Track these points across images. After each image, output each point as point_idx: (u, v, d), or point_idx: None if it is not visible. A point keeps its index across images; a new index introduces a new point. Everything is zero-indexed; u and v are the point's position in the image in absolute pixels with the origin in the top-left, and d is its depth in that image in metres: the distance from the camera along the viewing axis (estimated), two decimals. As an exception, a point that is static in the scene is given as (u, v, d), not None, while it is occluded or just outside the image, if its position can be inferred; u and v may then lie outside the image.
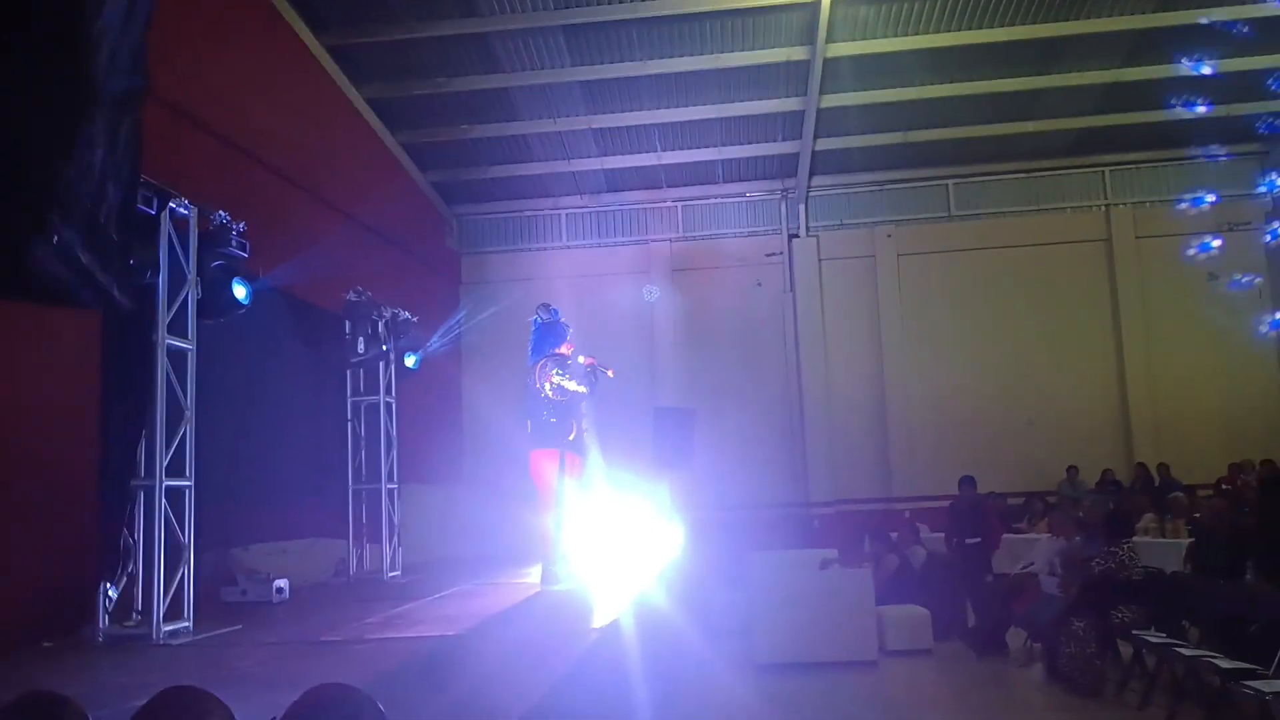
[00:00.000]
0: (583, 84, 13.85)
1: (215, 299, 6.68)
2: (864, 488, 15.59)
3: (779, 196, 16.56)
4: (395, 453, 10.44)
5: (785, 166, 16.08)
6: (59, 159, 2.25)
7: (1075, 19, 12.83)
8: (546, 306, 7.99)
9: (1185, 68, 13.37)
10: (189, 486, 6.35)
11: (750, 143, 15.55)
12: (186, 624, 6.17)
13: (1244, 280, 14.86)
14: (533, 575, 7.88)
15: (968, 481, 11.35)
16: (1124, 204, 16.05)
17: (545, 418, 7.52)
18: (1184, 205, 15.33)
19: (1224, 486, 12.91)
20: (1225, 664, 6.10)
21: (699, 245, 16.64)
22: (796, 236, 16.43)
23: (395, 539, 10.25)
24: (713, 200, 16.78)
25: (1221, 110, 14.43)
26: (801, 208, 16.39)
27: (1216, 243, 15.02)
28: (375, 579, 9.76)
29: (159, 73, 3.00)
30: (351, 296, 9.83)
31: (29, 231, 2.23)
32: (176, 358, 6.36)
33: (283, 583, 7.93)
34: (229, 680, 4.45)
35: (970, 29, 12.97)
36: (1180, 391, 15.26)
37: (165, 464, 6.15)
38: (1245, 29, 12.70)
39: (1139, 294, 15.65)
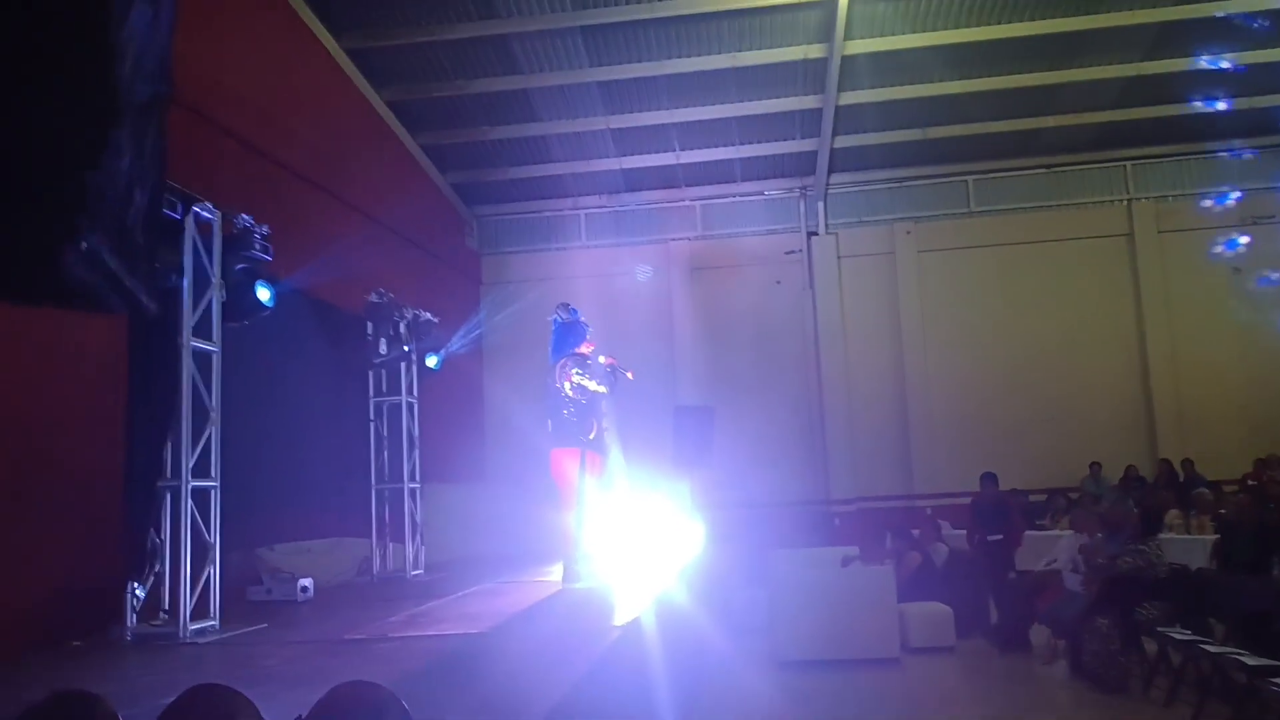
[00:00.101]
0: (601, 84, 13.87)
1: (239, 302, 6.76)
2: (885, 485, 15.55)
3: (798, 194, 16.53)
4: (417, 452, 10.51)
5: (804, 164, 16.05)
6: (87, 168, 2.29)
7: (1095, 13, 12.72)
8: (566, 306, 8.01)
9: (1206, 61, 13.25)
10: (215, 487, 6.42)
11: (768, 141, 15.52)
12: (213, 623, 6.24)
13: (1273, 278, 14.71)
14: (554, 573, 7.91)
15: (989, 478, 11.31)
16: (1146, 198, 15.90)
17: (566, 417, 7.54)
18: (1207, 202, 15.20)
19: (1250, 482, 12.80)
20: (1251, 660, 6.05)
21: (718, 244, 16.62)
22: (815, 234, 16.38)
23: (418, 538, 10.31)
24: (731, 199, 16.76)
25: (1244, 103, 14.30)
26: (820, 205, 16.35)
27: (1244, 239, 14.89)
28: (398, 578, 9.83)
29: (181, 78, 3.04)
30: (373, 298, 9.90)
31: (57, 238, 2.27)
32: (201, 360, 6.43)
33: (307, 582, 8.00)
34: (255, 678, 4.50)
35: (988, 24, 12.89)
36: (1205, 387, 15.12)
37: (191, 465, 6.22)
38: (1266, 21, 12.58)
39: (1162, 289, 15.51)
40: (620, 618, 5.66)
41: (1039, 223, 16.05)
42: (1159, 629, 7.48)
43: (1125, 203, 15.97)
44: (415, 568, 10.12)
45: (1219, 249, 15.02)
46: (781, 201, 16.65)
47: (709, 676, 8.23)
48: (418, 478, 10.49)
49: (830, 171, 15.99)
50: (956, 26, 12.91)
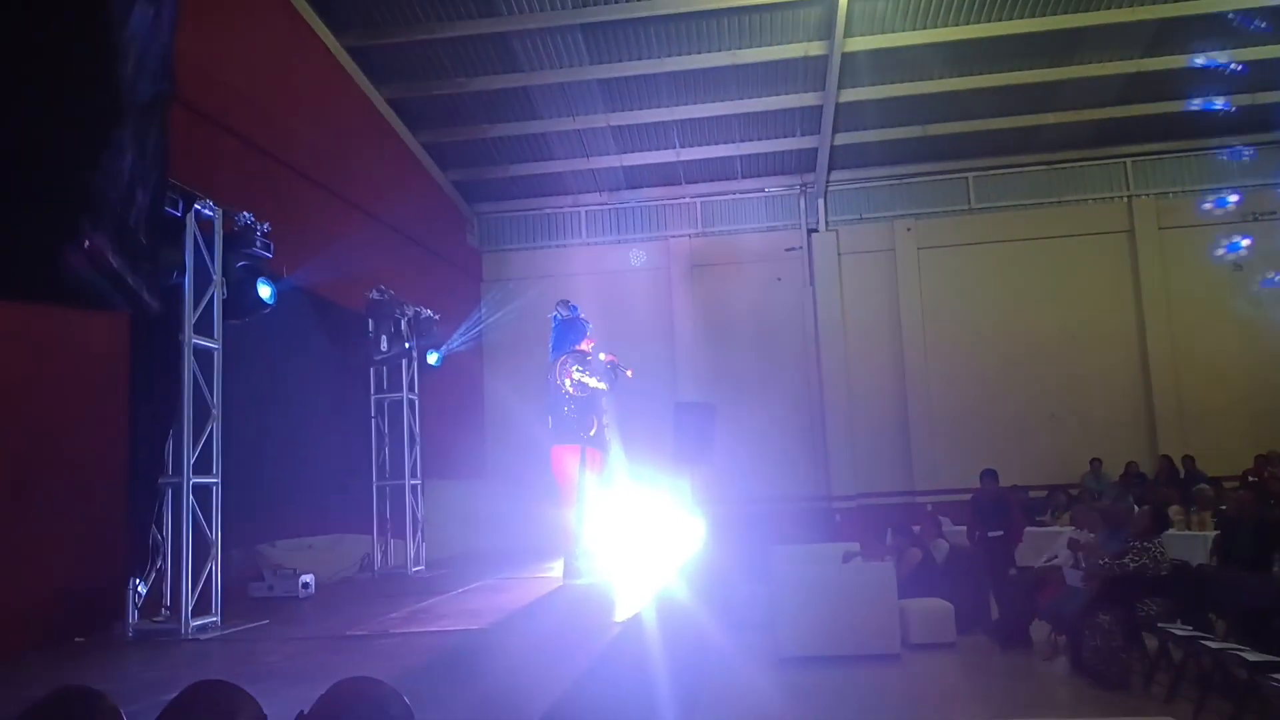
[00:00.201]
0: (601, 82, 13.87)
1: (240, 299, 6.78)
2: (885, 481, 15.56)
3: (798, 191, 16.53)
4: (418, 449, 10.53)
5: (804, 161, 16.05)
6: (89, 167, 2.30)
7: (1094, 10, 12.72)
8: (566, 303, 8.03)
9: (1207, 57, 13.25)
10: (216, 484, 6.44)
11: (769, 138, 15.52)
12: (214, 619, 6.26)
13: (1276, 279, 14.72)
14: (555, 570, 7.93)
15: (990, 474, 11.31)
16: (1146, 195, 15.89)
17: (566, 413, 7.56)
18: (1208, 205, 15.20)
19: (1250, 478, 12.79)
20: (1252, 656, 6.05)
21: (718, 241, 16.63)
22: (816, 231, 16.38)
23: (419, 534, 10.34)
24: (732, 196, 16.76)
25: (1245, 100, 14.29)
26: (821, 202, 16.35)
27: (1245, 242, 14.89)
28: (399, 574, 9.84)
29: (181, 76, 3.05)
30: (374, 295, 9.91)
31: (60, 237, 2.28)
32: (203, 357, 6.45)
33: (308, 578, 8.02)
34: (257, 674, 4.51)
35: (988, 21, 12.88)
36: (1205, 383, 15.12)
37: (193, 462, 6.24)
38: (1267, 18, 12.57)
39: (1162, 285, 15.51)
40: (621, 614, 5.67)
41: (1039, 219, 16.05)
42: (1160, 625, 7.49)
43: (1126, 199, 15.96)
44: (416, 564, 10.14)
45: (1221, 251, 15.01)
46: (782, 198, 16.65)
47: (710, 673, 8.25)
48: (419, 474, 10.51)
49: (830, 168, 15.98)
50: (956, 23, 12.91)
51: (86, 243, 2.29)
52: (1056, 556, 9.61)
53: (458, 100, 14.08)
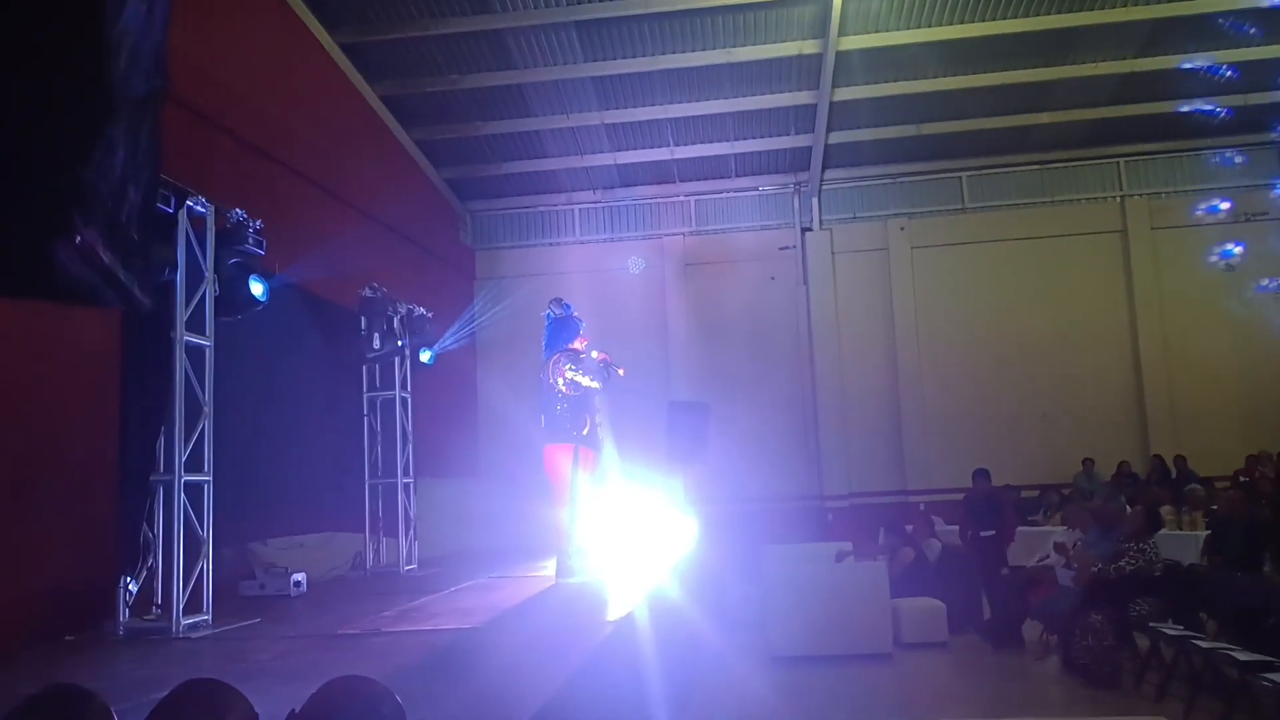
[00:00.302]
0: (595, 79, 13.87)
1: (233, 296, 6.74)
2: (878, 481, 15.59)
3: (792, 190, 16.55)
4: (411, 447, 10.49)
5: (798, 160, 16.07)
6: (81, 163, 2.29)
7: (1088, 9, 12.75)
8: (559, 301, 8.01)
9: (1200, 58, 13.29)
10: (207, 481, 6.41)
11: (763, 137, 15.53)
12: (206, 617, 6.23)
13: (1269, 284, 14.78)
14: (548, 569, 7.91)
15: (982, 474, 11.35)
16: (1139, 195, 15.94)
17: (559, 412, 7.54)
18: (1201, 211, 15.26)
19: (1241, 478, 12.83)
20: (1243, 656, 6.08)
21: (712, 239, 16.63)
22: (809, 230, 16.40)
23: (411, 533, 10.31)
24: (725, 194, 16.77)
25: (1238, 100, 14.35)
26: (814, 201, 16.37)
27: (1238, 248, 14.94)
28: (392, 572, 9.81)
29: (174, 72, 3.03)
30: (367, 293, 9.88)
31: (52, 233, 2.27)
32: (195, 354, 6.42)
33: (300, 576, 7.99)
34: (248, 673, 4.49)
35: (982, 20, 12.92)
36: (1197, 383, 15.18)
37: (184, 459, 6.21)
38: (1260, 19, 12.61)
39: (1155, 285, 15.56)
40: (614, 613, 5.66)
41: (1032, 219, 16.09)
42: (1151, 624, 7.52)
43: (1118, 199, 16.01)
44: (408, 562, 10.11)
45: (1214, 258, 15.07)
46: (776, 197, 16.66)
47: (702, 672, 8.25)
48: (411, 472, 10.48)
49: (824, 167, 16.01)
50: (950, 23, 12.93)
51: (78, 238, 2.27)
52: (1049, 556, 9.64)
53: (451, 97, 14.06)
